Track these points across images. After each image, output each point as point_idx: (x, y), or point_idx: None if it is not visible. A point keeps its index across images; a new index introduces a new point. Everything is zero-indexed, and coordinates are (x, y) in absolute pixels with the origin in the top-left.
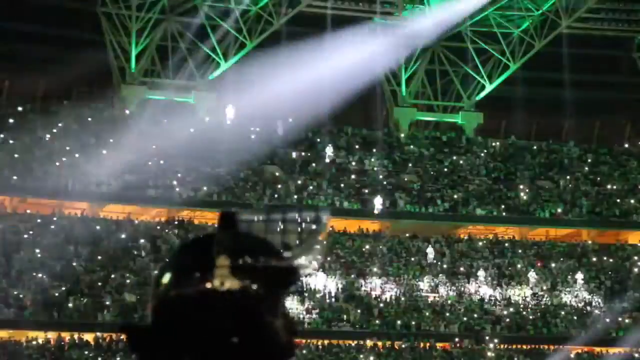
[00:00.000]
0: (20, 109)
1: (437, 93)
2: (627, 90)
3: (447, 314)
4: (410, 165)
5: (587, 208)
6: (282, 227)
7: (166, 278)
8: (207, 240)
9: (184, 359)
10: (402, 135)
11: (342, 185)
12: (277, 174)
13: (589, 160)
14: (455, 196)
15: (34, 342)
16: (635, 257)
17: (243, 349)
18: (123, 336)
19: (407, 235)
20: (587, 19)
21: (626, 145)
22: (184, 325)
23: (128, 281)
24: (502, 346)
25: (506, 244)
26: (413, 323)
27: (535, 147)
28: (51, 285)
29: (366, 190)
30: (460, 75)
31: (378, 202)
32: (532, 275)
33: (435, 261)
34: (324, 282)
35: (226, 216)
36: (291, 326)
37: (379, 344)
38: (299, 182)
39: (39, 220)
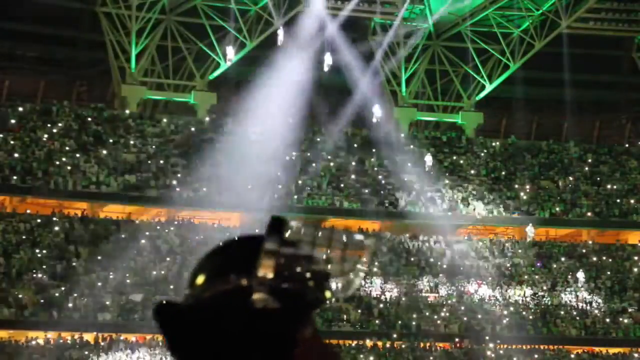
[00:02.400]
0: (20, 109)
1: (437, 93)
2: (627, 90)
3: (447, 314)
4: (410, 165)
5: (587, 208)
6: (327, 241)
7: (200, 279)
8: (245, 243)
9: None
10: (402, 135)
11: (342, 185)
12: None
13: (589, 160)
14: (455, 196)
15: (34, 342)
16: (635, 257)
17: (274, 352)
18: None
19: (407, 235)
20: (587, 19)
21: (626, 145)
22: (216, 328)
23: (128, 281)
24: (502, 346)
25: (506, 244)
26: (413, 323)
27: (535, 147)
28: (51, 285)
29: (366, 190)
30: (460, 75)
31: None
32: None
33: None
34: None
35: (276, 222)
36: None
37: (379, 344)
38: (299, 182)
39: (39, 220)
